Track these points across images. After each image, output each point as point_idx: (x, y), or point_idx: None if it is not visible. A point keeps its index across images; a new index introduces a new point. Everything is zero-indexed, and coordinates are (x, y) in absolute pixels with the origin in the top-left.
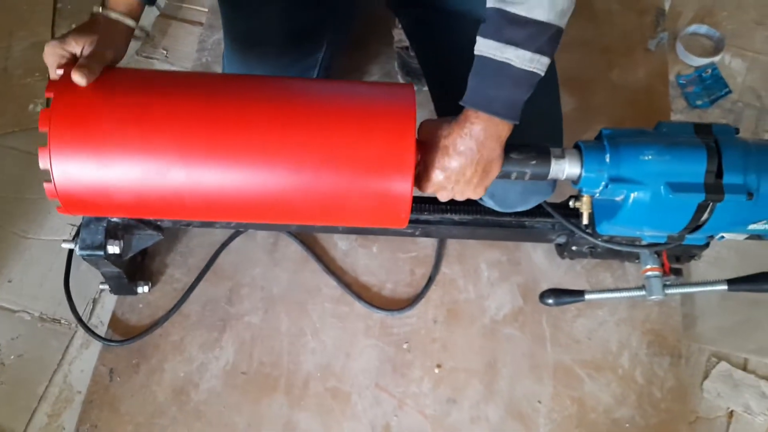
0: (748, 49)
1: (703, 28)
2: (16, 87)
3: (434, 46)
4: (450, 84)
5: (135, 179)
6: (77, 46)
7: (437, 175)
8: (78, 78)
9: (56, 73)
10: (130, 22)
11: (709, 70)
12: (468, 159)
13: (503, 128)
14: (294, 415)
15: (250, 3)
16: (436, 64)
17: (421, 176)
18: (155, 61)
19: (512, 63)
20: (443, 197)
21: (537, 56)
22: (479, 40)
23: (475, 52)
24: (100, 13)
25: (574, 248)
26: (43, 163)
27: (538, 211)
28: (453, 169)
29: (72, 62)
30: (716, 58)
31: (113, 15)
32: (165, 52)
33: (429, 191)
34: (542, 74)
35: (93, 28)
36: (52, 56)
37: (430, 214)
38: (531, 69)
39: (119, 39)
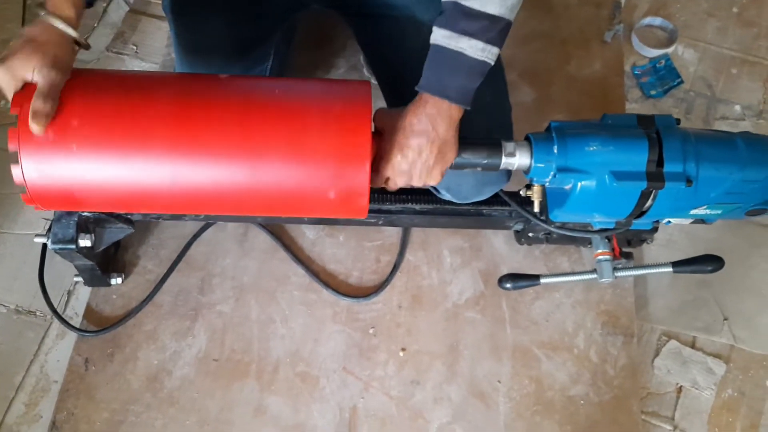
0: (700, 40)
1: (657, 20)
2: None
3: (381, 51)
4: (399, 84)
5: (101, 177)
6: (26, 71)
7: (395, 156)
8: (35, 128)
9: (11, 92)
10: (71, 32)
11: (663, 61)
12: (424, 138)
13: (456, 112)
14: (265, 399)
15: (196, 15)
16: (383, 68)
17: (379, 162)
18: (125, 56)
19: (465, 52)
20: (401, 181)
21: (488, 47)
22: (435, 30)
23: (431, 41)
24: (40, 19)
25: (530, 234)
26: (12, 146)
27: (495, 199)
28: (411, 148)
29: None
30: (670, 49)
31: (55, 22)
32: (135, 47)
33: (388, 175)
34: (492, 64)
35: (37, 46)
36: (5, 83)
37: (392, 204)
38: (482, 58)
39: (64, 47)
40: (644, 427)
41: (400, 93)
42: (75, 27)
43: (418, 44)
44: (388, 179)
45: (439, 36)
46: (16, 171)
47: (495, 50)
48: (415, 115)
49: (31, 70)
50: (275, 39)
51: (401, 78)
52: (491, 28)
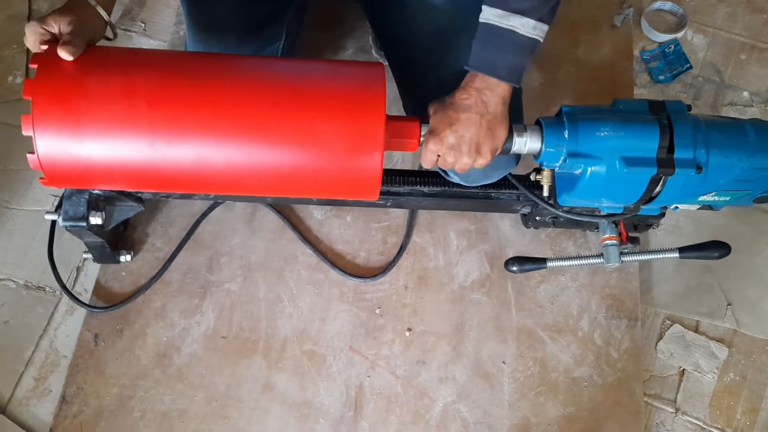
0: (710, 26)
1: (667, 5)
2: None
3: (391, 32)
4: (409, 66)
5: (116, 153)
6: (56, 26)
7: (444, 130)
8: (64, 53)
9: (38, 49)
10: (102, 13)
11: (672, 46)
12: (474, 112)
13: (506, 90)
14: (272, 377)
15: None
16: (394, 49)
17: (428, 140)
18: (133, 34)
19: (517, 30)
20: (450, 157)
21: (540, 24)
22: (485, 9)
23: (481, 20)
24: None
25: (537, 218)
26: (26, 131)
27: (503, 183)
28: (460, 121)
29: (53, 41)
30: (679, 34)
31: (92, 1)
32: (143, 25)
33: (437, 151)
34: (542, 41)
35: (71, 10)
36: (33, 35)
37: (401, 186)
38: (534, 36)
39: (96, 21)
40: (646, 409)
41: (410, 74)
42: (108, 12)
43: (429, 26)
44: (438, 158)
45: (490, 15)
46: (31, 157)
47: (545, 28)
48: (465, 91)
49: (61, 23)
50: (287, 18)
51: (411, 59)
52: (543, 6)
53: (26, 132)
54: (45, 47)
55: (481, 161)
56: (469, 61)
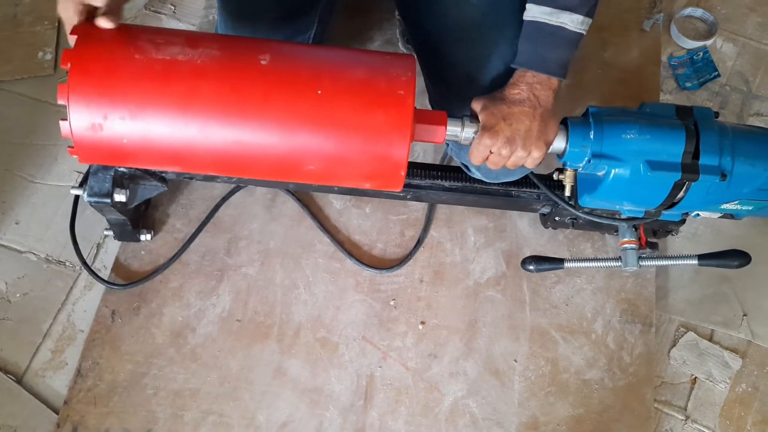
0: (740, 35)
1: (698, 11)
2: (25, 34)
3: (421, 25)
4: (436, 59)
5: (148, 130)
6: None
7: (498, 124)
8: (104, 22)
9: (75, 21)
10: None
11: (701, 53)
12: (526, 105)
13: (556, 84)
14: (285, 362)
15: None
16: (422, 41)
17: (482, 134)
18: (163, 16)
19: (566, 26)
20: (505, 151)
21: (587, 19)
22: (532, 7)
23: (527, 18)
24: None
25: (557, 218)
26: (61, 98)
27: (524, 181)
28: (513, 115)
29: (90, 12)
30: (708, 42)
31: None
32: (173, 7)
33: (491, 147)
34: (585, 35)
35: None
36: (69, 7)
37: (421, 179)
38: (581, 30)
39: None
40: (656, 415)
41: (439, 68)
42: None
43: (460, 21)
44: (489, 154)
45: (538, 12)
46: (64, 125)
47: (590, 21)
48: (516, 86)
49: None
50: (320, 7)
51: (441, 53)
52: (589, 1)
53: (61, 100)
54: (81, 18)
55: (537, 154)
56: (517, 59)
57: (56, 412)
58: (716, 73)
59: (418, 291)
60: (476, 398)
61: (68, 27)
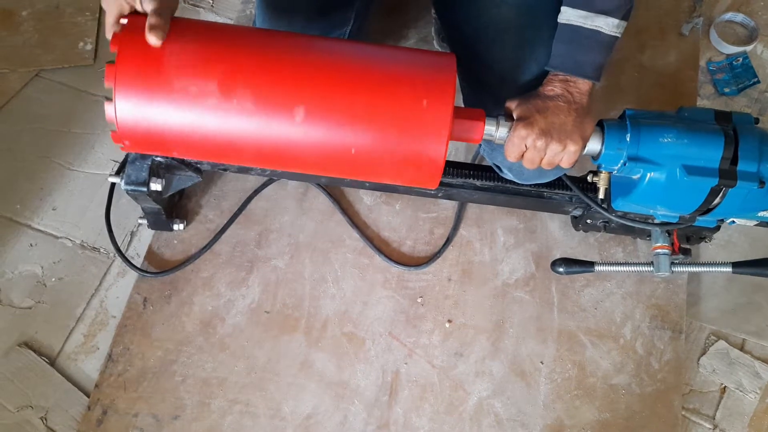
0: None
1: (739, 17)
2: (67, 24)
3: (457, 24)
4: (472, 59)
5: (190, 120)
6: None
7: (533, 116)
8: (153, 40)
9: (118, 22)
10: None
11: (740, 59)
12: (561, 100)
13: (590, 86)
14: (311, 354)
15: None
16: (458, 40)
17: (517, 126)
18: (201, 9)
19: (602, 30)
20: (540, 144)
21: (622, 22)
22: (567, 10)
23: (562, 21)
24: None
25: (588, 221)
26: (108, 82)
27: (557, 183)
28: (549, 108)
29: (131, 12)
30: (749, 48)
31: None
32: (211, 1)
33: (526, 141)
34: (620, 37)
35: None
36: (113, 5)
37: (453, 178)
38: (616, 34)
39: None
40: (684, 423)
41: (474, 68)
42: None
43: (496, 21)
44: (525, 149)
45: (573, 16)
46: (108, 108)
47: (624, 24)
48: (550, 84)
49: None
50: (357, 2)
51: (476, 53)
52: (626, 4)
53: (108, 83)
54: (124, 21)
55: (573, 147)
56: (551, 62)
57: (87, 395)
58: (756, 79)
59: (446, 289)
60: (501, 398)
61: (110, 18)
